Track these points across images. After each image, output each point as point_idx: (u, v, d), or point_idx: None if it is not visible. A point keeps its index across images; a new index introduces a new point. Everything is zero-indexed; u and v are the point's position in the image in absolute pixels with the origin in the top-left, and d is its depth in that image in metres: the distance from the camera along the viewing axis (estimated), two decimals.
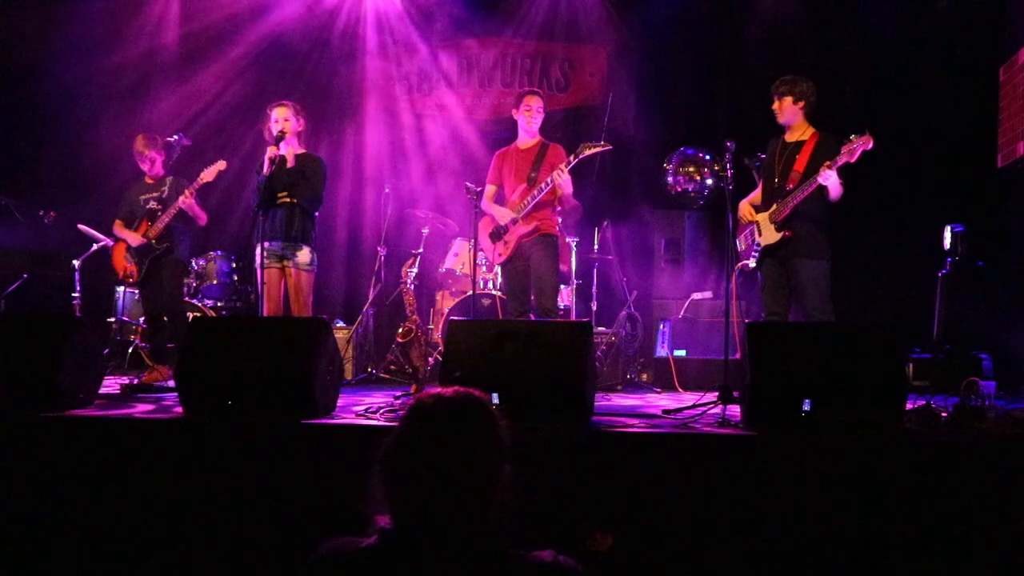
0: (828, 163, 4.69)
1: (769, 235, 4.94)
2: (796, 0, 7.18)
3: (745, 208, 5.15)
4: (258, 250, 5.13)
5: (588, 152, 5.15)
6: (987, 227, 6.26)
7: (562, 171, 5.14)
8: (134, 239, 5.74)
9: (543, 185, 5.21)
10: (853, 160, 4.63)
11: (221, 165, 5.61)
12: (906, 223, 6.64)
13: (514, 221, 5.32)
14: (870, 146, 4.60)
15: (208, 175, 5.57)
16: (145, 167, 5.86)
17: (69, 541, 3.46)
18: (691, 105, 7.42)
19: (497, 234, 5.43)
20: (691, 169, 7.22)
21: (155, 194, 5.78)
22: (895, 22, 6.81)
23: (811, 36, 7.08)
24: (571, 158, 5.17)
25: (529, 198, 5.26)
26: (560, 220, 5.65)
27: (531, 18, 8.00)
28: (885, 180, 6.50)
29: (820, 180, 4.70)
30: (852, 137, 4.64)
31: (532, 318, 5.32)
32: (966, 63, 6.76)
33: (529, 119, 5.39)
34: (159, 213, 5.68)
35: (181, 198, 5.57)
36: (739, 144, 4.67)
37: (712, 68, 7.37)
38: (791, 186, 4.89)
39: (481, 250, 5.71)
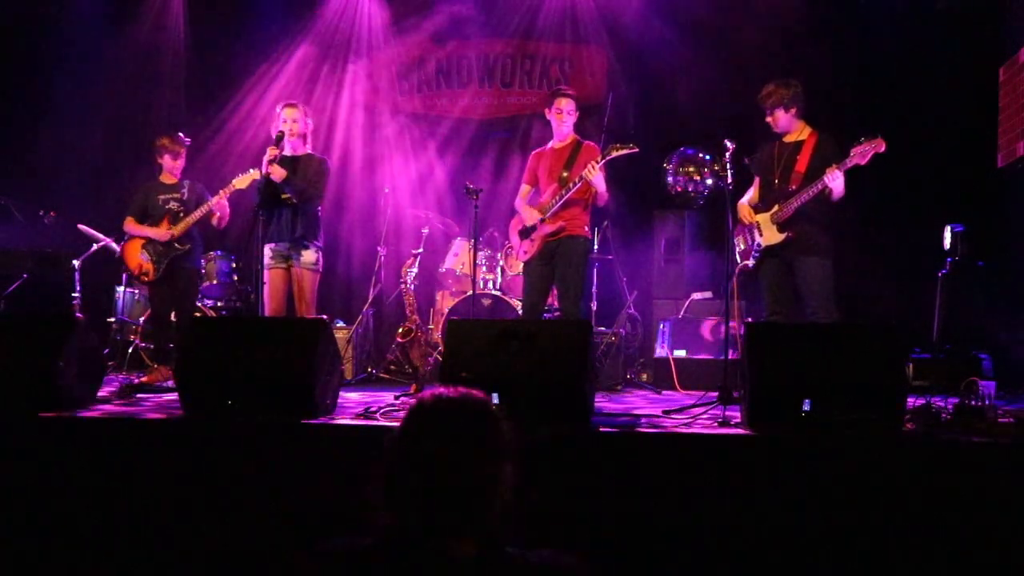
0: (836, 165, 4.65)
1: (771, 236, 4.93)
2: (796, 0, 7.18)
3: (744, 209, 5.14)
4: (262, 250, 5.13)
5: (615, 154, 5.07)
6: (987, 227, 6.25)
7: (594, 167, 5.07)
8: (159, 234, 5.70)
9: (571, 184, 5.17)
10: (864, 163, 4.60)
11: (255, 175, 5.48)
12: (906, 223, 6.63)
13: (541, 220, 5.30)
14: (882, 149, 4.56)
15: (241, 182, 5.54)
16: (178, 163, 5.84)
17: (69, 541, 3.46)
18: (691, 105, 7.42)
19: (526, 232, 5.43)
20: (691, 169, 7.21)
21: (175, 195, 5.79)
22: (895, 22, 6.80)
23: (811, 36, 7.08)
24: (600, 159, 5.11)
25: (557, 197, 5.22)
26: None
27: (531, 18, 8.00)
28: (885, 180, 6.47)
29: (827, 181, 4.66)
30: (862, 139, 4.59)
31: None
32: (966, 63, 6.75)
33: (560, 121, 5.33)
34: (181, 214, 5.71)
35: (215, 198, 5.59)
36: (739, 144, 4.66)
37: (712, 68, 7.36)
38: (794, 187, 4.87)
39: (511, 248, 5.69)
